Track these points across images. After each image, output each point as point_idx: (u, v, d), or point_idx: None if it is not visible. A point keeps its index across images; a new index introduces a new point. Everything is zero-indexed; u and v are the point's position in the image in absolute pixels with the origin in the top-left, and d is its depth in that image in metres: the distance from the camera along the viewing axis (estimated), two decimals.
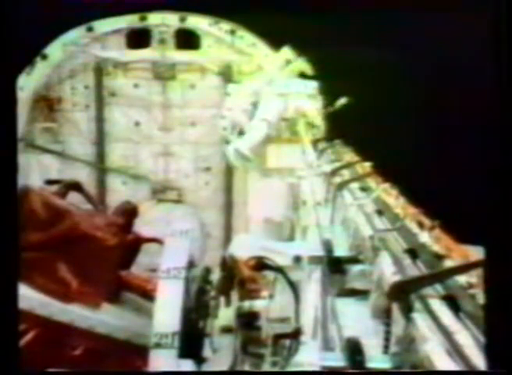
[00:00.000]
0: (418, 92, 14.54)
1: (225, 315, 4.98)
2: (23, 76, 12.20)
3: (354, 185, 6.64)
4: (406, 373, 2.99)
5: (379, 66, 14.24)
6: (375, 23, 14.09)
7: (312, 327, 4.35)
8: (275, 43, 12.44)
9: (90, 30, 12.56)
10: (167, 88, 12.87)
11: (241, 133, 11.44)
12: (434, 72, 14.22)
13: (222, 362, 4.89)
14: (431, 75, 14.23)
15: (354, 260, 4.54)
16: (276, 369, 4.39)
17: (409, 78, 14.40)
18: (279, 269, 4.72)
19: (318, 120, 10.95)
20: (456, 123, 14.02)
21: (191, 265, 6.25)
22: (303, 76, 11.76)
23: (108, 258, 8.21)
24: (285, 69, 11.70)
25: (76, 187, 9.84)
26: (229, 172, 12.98)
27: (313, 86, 11.21)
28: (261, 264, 4.71)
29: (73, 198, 9.69)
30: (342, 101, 11.23)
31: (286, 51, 11.73)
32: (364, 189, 6.44)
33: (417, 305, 3.04)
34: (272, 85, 11.36)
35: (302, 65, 11.55)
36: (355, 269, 4.36)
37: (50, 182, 10.45)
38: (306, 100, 11.09)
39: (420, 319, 2.93)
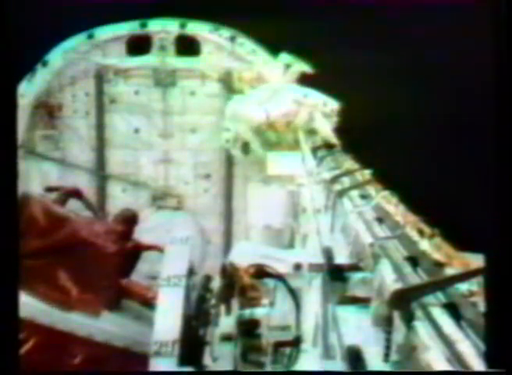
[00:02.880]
0: (418, 98, 14.57)
1: (226, 323, 4.97)
2: (24, 83, 12.23)
3: (354, 192, 6.63)
4: (406, 373, 3.00)
5: (378, 70, 14.28)
6: (374, 27, 14.15)
7: (313, 335, 4.34)
8: (276, 49, 12.50)
9: (90, 37, 12.61)
10: (167, 95, 12.90)
11: (245, 146, 11.52)
12: (434, 77, 14.25)
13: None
14: (431, 80, 14.26)
15: (355, 268, 4.52)
16: None
17: (408, 83, 14.43)
18: (279, 277, 4.71)
19: (330, 139, 10.99)
20: (457, 131, 14.03)
21: (191, 272, 6.25)
22: (304, 79, 11.80)
23: (107, 265, 8.21)
24: (286, 74, 11.74)
25: (75, 194, 9.85)
26: (228, 179, 12.99)
27: (332, 106, 11.23)
28: (261, 272, 4.70)
29: (73, 205, 9.69)
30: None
31: (285, 57, 11.78)
32: (363, 196, 6.43)
33: (419, 313, 3.04)
34: (292, 90, 11.40)
35: (302, 66, 11.60)
36: (355, 276, 4.35)
37: (50, 189, 10.46)
38: (321, 117, 11.13)
39: (421, 327, 2.92)
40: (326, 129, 11.12)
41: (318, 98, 11.38)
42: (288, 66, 11.70)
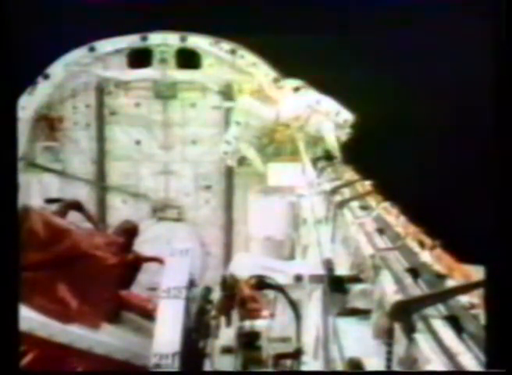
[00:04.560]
0: (420, 110, 14.62)
1: (226, 335, 4.95)
2: (25, 96, 12.28)
3: (355, 204, 6.63)
4: (406, 373, 2.99)
5: (379, 84, 14.34)
6: (373, 43, 14.24)
7: (313, 347, 4.32)
8: (276, 62, 12.56)
9: (92, 50, 12.67)
10: (168, 107, 12.95)
11: (241, 160, 11.54)
12: (434, 89, 14.31)
13: None
14: (431, 91, 14.32)
15: (355, 279, 4.51)
16: None
17: (409, 96, 14.48)
18: (279, 288, 4.70)
19: (334, 150, 10.93)
20: (458, 142, 14.06)
21: (192, 284, 6.24)
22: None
23: (107, 277, 8.18)
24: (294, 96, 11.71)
25: (76, 206, 9.86)
26: (229, 190, 13.00)
27: (346, 117, 11.14)
28: (261, 283, 4.69)
29: (74, 216, 9.69)
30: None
31: (292, 81, 11.82)
32: (364, 207, 6.42)
33: (419, 325, 3.02)
34: (306, 95, 11.34)
35: (310, 90, 11.58)
36: (356, 288, 4.33)
37: (50, 201, 10.45)
38: (331, 126, 11.07)
39: (422, 339, 2.90)
40: (332, 139, 11.03)
41: (332, 107, 11.20)
42: (296, 90, 11.70)
